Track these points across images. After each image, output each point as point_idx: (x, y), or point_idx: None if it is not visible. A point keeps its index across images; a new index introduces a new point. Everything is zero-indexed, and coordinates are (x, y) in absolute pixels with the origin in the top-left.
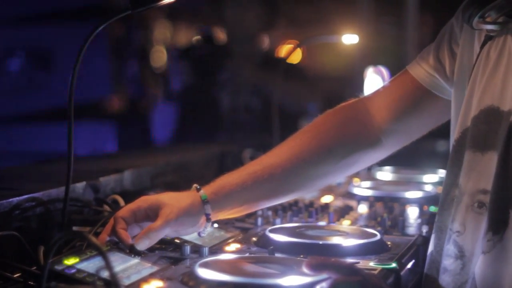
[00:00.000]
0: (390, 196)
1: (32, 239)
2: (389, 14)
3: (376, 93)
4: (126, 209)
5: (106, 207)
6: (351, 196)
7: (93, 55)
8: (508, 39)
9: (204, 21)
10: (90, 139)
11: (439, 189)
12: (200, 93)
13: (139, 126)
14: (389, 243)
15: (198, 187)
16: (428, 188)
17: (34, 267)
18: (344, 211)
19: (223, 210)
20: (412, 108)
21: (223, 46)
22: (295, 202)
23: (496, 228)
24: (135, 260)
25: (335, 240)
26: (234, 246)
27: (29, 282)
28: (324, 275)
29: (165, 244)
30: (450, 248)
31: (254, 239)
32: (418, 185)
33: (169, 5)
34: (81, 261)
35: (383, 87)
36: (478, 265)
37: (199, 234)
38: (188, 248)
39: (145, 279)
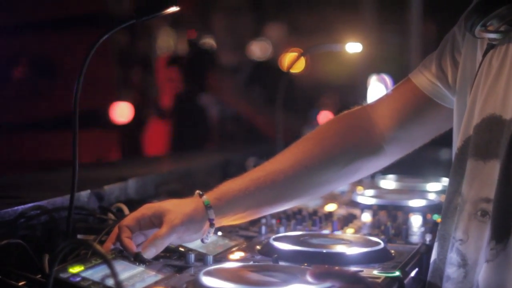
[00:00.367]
0: (393, 205)
1: (37, 247)
2: (392, 22)
3: (379, 101)
4: (130, 218)
5: (111, 216)
6: (355, 204)
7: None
8: (510, 48)
9: (192, 27)
10: (94, 147)
11: (442, 198)
12: (188, 101)
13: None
14: (392, 251)
15: (201, 193)
16: (432, 196)
17: (39, 275)
18: (348, 220)
19: (227, 215)
20: (414, 116)
21: (210, 50)
22: (299, 211)
23: (500, 236)
24: (140, 269)
25: (339, 248)
26: (238, 255)
27: None
28: (327, 284)
29: (170, 252)
30: (453, 257)
31: (258, 247)
32: (422, 193)
33: (172, 14)
34: (86, 269)
35: (386, 95)
36: (481, 274)
37: (202, 240)
38: (192, 256)
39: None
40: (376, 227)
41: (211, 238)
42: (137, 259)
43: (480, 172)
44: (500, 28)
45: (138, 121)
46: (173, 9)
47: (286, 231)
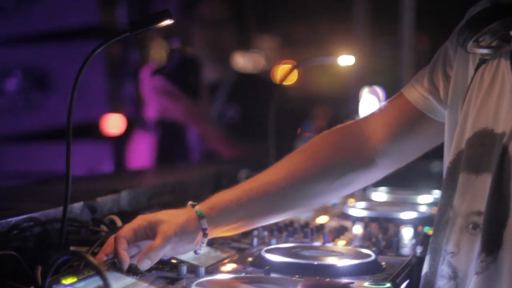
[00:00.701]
0: (385, 217)
1: (30, 258)
2: (384, 35)
3: (372, 115)
4: (127, 229)
5: (103, 227)
6: (346, 216)
7: (90, 75)
8: (501, 62)
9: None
10: (86, 159)
11: (434, 210)
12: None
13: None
14: (383, 263)
15: (194, 203)
16: (423, 208)
17: (32, 287)
18: (339, 232)
19: (219, 226)
20: (406, 130)
21: (195, 59)
22: (291, 223)
23: (490, 249)
24: (132, 280)
25: (330, 260)
26: (230, 266)
27: None
28: None
29: (162, 264)
30: (444, 269)
31: (250, 259)
32: (413, 205)
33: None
34: (79, 280)
35: (379, 110)
36: (471, 286)
37: (195, 251)
38: (184, 268)
39: None
40: (367, 239)
41: (203, 250)
42: (131, 271)
43: (472, 186)
44: (492, 43)
45: (130, 133)
46: (167, 22)
47: (277, 243)
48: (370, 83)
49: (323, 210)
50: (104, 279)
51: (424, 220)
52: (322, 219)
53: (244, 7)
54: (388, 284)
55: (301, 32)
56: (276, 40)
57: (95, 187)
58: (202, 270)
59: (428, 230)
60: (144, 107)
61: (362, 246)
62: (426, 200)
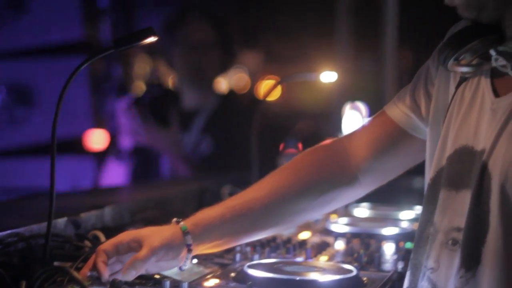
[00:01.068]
0: (366, 233)
1: (14, 274)
2: (367, 50)
3: (355, 133)
4: (108, 243)
5: (87, 243)
6: (328, 232)
7: (74, 91)
8: (481, 81)
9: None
10: (70, 175)
11: (415, 226)
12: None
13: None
14: (365, 279)
15: (178, 220)
16: (404, 224)
17: None
18: (321, 247)
19: (203, 242)
20: (389, 148)
21: (172, 90)
22: (273, 238)
23: (469, 265)
24: None
25: (312, 276)
26: (213, 282)
27: None
28: None
29: (145, 279)
30: (424, 285)
31: (232, 274)
32: (395, 221)
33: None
34: None
35: (362, 127)
36: None
37: (180, 268)
38: (167, 284)
39: None
40: (349, 255)
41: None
42: (116, 286)
43: (452, 202)
44: (472, 62)
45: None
46: (152, 39)
47: (260, 258)
48: (353, 99)
49: (306, 226)
50: None
51: (406, 236)
52: (304, 235)
53: (229, 29)
54: None
55: (284, 48)
56: (260, 56)
57: (78, 202)
58: (185, 285)
59: (410, 246)
60: (119, 136)
61: (344, 262)
62: (408, 216)
